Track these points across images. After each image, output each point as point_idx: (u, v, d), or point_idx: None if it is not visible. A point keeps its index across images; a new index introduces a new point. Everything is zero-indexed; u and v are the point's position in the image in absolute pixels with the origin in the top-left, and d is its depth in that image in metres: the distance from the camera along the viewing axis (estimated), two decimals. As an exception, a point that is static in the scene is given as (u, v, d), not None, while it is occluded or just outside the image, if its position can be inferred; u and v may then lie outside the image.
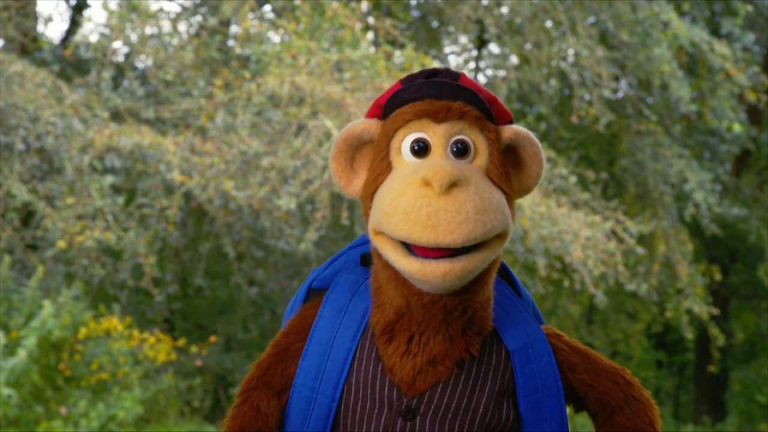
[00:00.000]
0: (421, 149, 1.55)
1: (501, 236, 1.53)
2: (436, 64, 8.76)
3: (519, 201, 8.12)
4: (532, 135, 1.61)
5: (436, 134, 1.55)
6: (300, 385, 1.63)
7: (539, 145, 1.61)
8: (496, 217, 1.50)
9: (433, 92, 1.57)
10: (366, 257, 1.69)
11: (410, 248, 1.51)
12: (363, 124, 1.60)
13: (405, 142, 1.56)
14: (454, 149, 1.55)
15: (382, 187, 1.54)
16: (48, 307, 7.51)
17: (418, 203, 1.47)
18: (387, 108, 1.61)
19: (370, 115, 1.63)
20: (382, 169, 1.57)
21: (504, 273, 1.72)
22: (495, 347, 1.62)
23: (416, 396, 1.58)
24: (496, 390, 1.61)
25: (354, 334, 1.62)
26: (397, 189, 1.50)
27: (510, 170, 1.60)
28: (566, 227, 8.26)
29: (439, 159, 1.53)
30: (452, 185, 1.47)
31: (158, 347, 8.55)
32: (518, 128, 1.61)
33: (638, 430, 1.67)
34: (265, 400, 1.64)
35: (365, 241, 1.72)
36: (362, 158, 1.62)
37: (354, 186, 1.62)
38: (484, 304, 1.60)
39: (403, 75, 8.57)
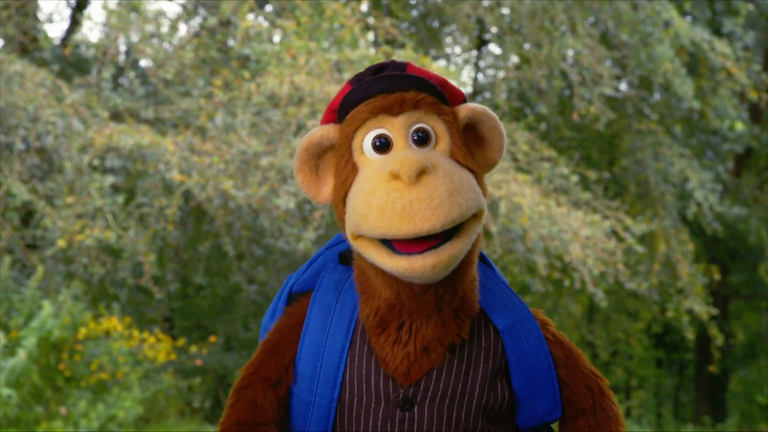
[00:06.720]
0: (383, 145, 1.55)
1: (477, 215, 1.53)
2: (436, 64, 8.75)
3: (518, 201, 8.12)
4: (488, 109, 1.61)
5: (395, 127, 1.55)
6: (298, 390, 1.61)
7: (497, 117, 1.61)
8: (469, 196, 1.50)
9: (384, 87, 1.57)
10: (345, 255, 1.69)
11: (393, 246, 1.50)
12: (321, 131, 1.60)
13: (366, 140, 1.56)
14: (415, 138, 1.55)
15: (352, 189, 1.54)
16: (48, 307, 7.51)
17: (391, 197, 1.46)
18: (341, 111, 1.60)
19: (326, 120, 1.63)
20: (348, 171, 1.57)
21: (480, 258, 1.71)
22: (484, 328, 1.62)
23: (412, 385, 1.57)
24: (489, 370, 1.60)
25: (346, 331, 1.61)
26: (368, 189, 1.49)
27: (473, 148, 1.61)
28: (565, 226, 8.25)
29: (403, 151, 1.53)
30: (421, 173, 1.47)
31: (158, 347, 8.54)
32: (473, 105, 1.61)
33: None
34: (261, 393, 1.62)
35: (341, 240, 1.72)
36: (326, 165, 1.61)
37: (323, 194, 1.61)
38: (470, 285, 1.60)
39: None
